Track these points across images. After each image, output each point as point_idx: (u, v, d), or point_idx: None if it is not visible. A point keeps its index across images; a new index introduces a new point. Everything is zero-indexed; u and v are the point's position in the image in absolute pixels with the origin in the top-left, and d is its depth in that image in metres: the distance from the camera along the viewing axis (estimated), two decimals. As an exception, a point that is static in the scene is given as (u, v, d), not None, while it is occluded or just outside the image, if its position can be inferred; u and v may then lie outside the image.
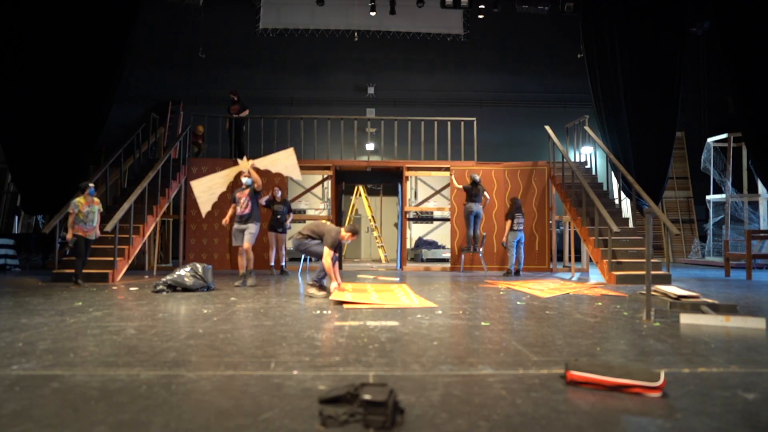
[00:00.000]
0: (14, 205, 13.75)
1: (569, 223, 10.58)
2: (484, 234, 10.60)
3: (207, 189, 7.87)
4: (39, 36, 9.32)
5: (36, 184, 9.50)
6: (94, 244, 7.84)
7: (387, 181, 13.13)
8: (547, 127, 11.30)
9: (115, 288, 6.94)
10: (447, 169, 11.35)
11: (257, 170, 8.05)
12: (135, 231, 8.77)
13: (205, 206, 7.86)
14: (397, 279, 8.65)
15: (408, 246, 14.18)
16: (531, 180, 11.08)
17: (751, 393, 2.42)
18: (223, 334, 3.72)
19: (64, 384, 2.49)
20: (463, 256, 10.55)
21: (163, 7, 14.38)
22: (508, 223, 9.56)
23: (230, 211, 7.63)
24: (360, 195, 15.42)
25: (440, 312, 4.87)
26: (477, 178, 10.22)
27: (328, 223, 7.06)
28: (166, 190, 9.99)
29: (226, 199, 10.90)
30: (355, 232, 6.15)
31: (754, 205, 13.57)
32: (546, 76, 16.37)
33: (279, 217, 9.73)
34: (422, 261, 14.09)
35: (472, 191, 10.14)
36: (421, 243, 14.76)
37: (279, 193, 9.85)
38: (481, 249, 10.34)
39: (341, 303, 5.36)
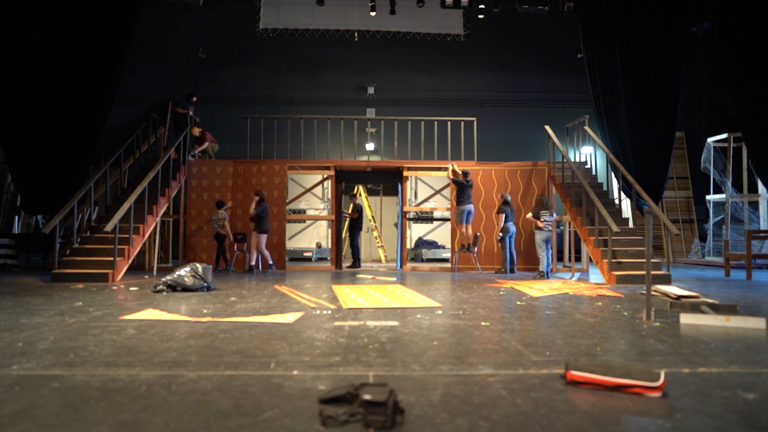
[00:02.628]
0: (14, 205, 13.75)
1: (569, 223, 10.58)
2: (477, 234, 10.72)
3: None
4: (39, 36, 9.32)
5: (36, 184, 9.50)
6: (93, 244, 7.88)
7: (387, 181, 13.14)
8: (547, 127, 11.30)
9: (115, 288, 6.94)
10: (447, 169, 11.35)
11: None
12: (135, 231, 8.77)
13: None
14: (395, 279, 8.65)
15: (408, 246, 14.18)
16: (531, 180, 11.08)
17: (751, 393, 2.42)
18: (223, 334, 3.72)
19: (64, 384, 2.49)
20: (457, 255, 10.71)
21: (163, 7, 14.37)
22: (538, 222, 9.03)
23: None
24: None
25: (440, 312, 4.87)
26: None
27: None
28: (166, 190, 9.98)
29: (224, 197, 10.92)
30: None
31: (754, 205, 13.56)
32: (546, 76, 16.36)
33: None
34: (422, 261, 14.09)
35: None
36: (421, 243, 14.76)
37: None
38: (475, 249, 10.49)
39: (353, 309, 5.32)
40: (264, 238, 9.95)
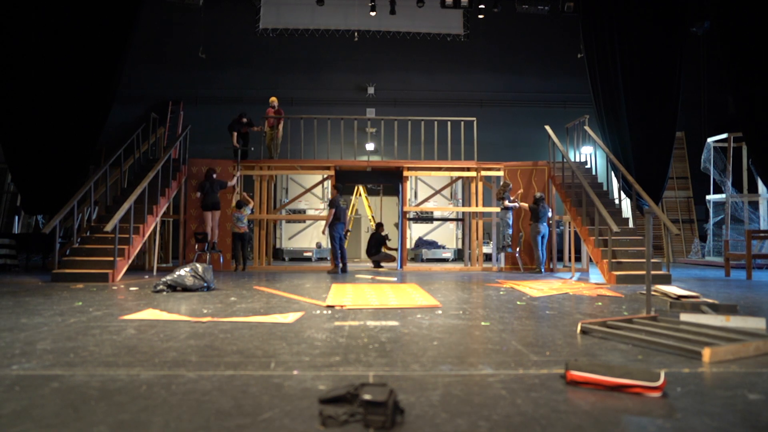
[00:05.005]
0: (14, 205, 13.76)
1: (569, 223, 10.57)
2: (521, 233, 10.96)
3: None
4: (39, 36, 9.32)
5: (36, 184, 9.50)
6: (93, 244, 7.91)
7: (387, 181, 13.14)
8: (547, 127, 11.30)
9: (115, 288, 6.94)
10: (447, 169, 11.35)
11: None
12: (135, 231, 8.77)
13: None
14: (395, 279, 8.64)
15: (408, 246, 14.19)
16: (531, 180, 11.08)
17: (751, 393, 2.42)
18: (223, 334, 3.72)
19: (64, 384, 2.49)
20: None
21: (163, 7, 14.38)
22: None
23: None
24: (360, 195, 15.42)
25: (440, 312, 4.87)
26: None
27: None
28: (166, 190, 9.98)
29: (224, 197, 10.93)
30: None
31: (754, 205, 13.57)
32: (546, 76, 16.37)
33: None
34: (422, 261, 14.10)
35: (538, 210, 10.18)
36: (421, 243, 14.77)
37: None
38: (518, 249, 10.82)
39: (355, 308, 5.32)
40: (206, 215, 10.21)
